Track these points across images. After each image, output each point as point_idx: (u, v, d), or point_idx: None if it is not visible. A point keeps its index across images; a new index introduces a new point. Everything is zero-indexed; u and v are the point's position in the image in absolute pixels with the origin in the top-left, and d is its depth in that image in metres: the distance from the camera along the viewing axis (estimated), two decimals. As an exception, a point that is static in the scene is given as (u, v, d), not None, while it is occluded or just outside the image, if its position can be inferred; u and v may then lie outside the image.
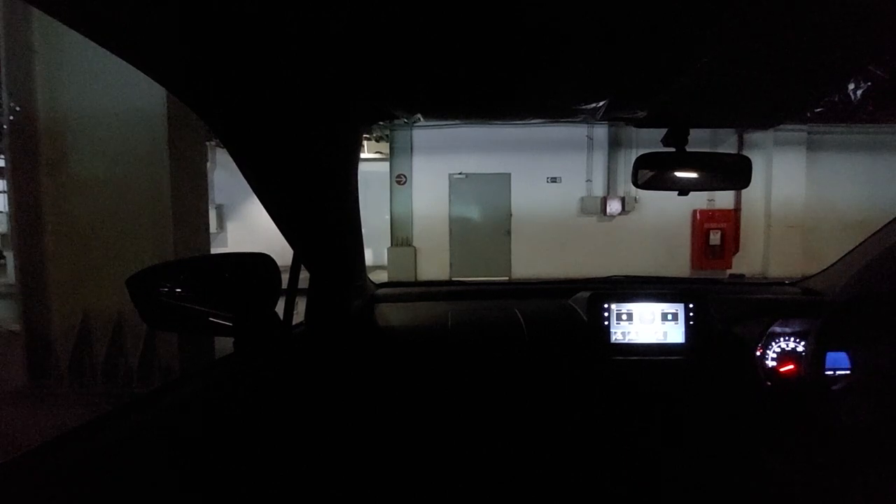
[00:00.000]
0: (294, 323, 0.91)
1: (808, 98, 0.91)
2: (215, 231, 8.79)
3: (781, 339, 1.06)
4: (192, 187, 3.66)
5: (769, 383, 1.02)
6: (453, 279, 7.41)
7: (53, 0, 0.42)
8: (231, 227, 9.41)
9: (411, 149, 7.91)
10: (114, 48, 0.46)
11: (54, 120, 3.34)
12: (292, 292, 0.89)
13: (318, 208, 0.84)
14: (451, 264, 7.99)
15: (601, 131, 7.89)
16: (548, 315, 1.21)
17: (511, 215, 8.01)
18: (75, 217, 3.38)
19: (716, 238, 7.79)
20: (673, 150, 0.99)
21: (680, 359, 1.09)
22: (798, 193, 7.85)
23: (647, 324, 1.13)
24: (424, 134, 7.81)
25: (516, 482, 1.04)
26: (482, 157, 7.84)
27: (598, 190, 8.05)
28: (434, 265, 7.94)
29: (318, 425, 0.91)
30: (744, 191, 7.42)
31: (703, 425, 1.07)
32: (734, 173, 1.06)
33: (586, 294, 1.19)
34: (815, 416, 0.88)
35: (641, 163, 1.02)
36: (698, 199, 7.86)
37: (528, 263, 7.94)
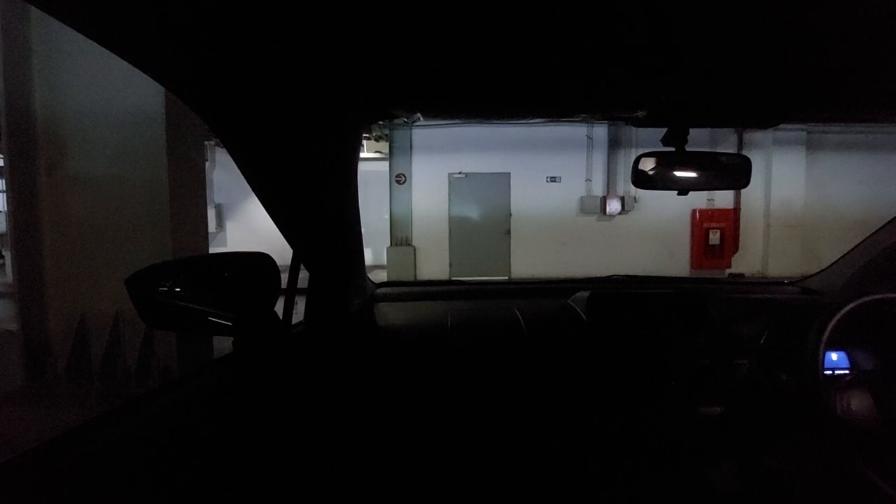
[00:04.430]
0: (294, 322, 0.91)
1: (808, 98, 0.91)
2: (214, 230, 8.78)
3: (781, 338, 1.06)
4: (191, 186, 3.66)
5: (768, 383, 1.02)
6: (453, 279, 7.40)
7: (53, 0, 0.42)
8: (230, 226, 9.40)
9: (411, 148, 7.90)
10: (114, 48, 0.46)
11: (52, 119, 3.33)
12: (292, 292, 0.89)
13: (318, 208, 0.84)
14: (450, 264, 7.99)
15: (601, 131, 7.89)
16: (547, 315, 1.21)
17: (511, 215, 8.01)
18: (73, 216, 3.37)
19: (715, 238, 7.80)
20: (672, 149, 0.99)
21: (679, 359, 1.09)
22: (797, 193, 7.86)
23: (647, 324, 1.13)
24: (424, 133, 7.81)
25: (516, 481, 1.04)
26: (482, 157, 7.84)
27: (598, 189, 8.05)
28: (433, 265, 7.94)
29: (317, 424, 0.91)
30: (743, 190, 7.42)
31: (703, 425, 1.07)
32: (734, 173, 1.06)
33: (586, 294, 1.19)
34: (814, 416, 0.88)
35: (641, 162, 1.02)
36: (698, 199, 7.87)
37: (528, 263, 7.95)
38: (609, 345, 1.11)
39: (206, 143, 6.72)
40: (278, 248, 0.83)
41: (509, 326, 1.15)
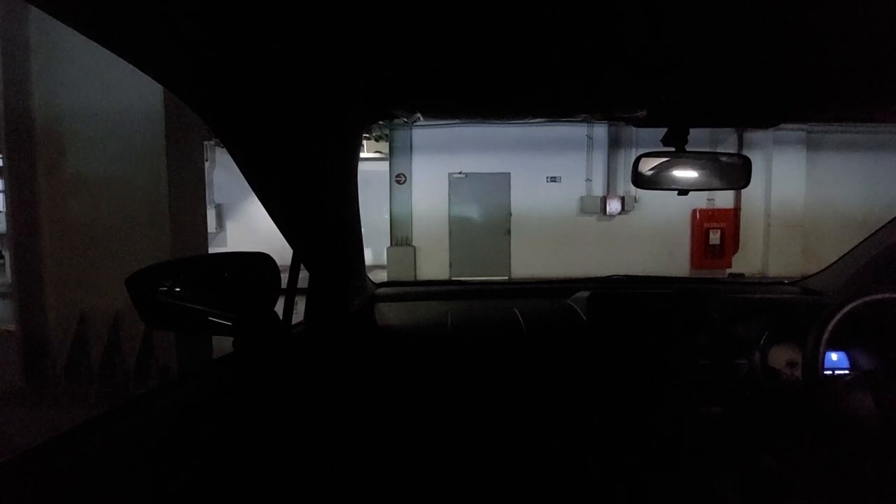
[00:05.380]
0: (294, 322, 0.91)
1: (808, 98, 0.91)
2: (214, 231, 8.78)
3: (781, 338, 1.06)
4: (190, 186, 3.66)
5: (768, 383, 1.02)
6: (453, 279, 7.40)
7: None
8: (230, 226, 9.40)
9: (411, 148, 7.90)
10: (114, 48, 0.46)
11: (51, 119, 3.33)
12: (292, 292, 0.89)
13: (318, 208, 0.84)
14: (450, 264, 7.99)
15: (601, 131, 7.89)
16: (547, 315, 1.21)
17: (511, 215, 8.01)
18: (72, 216, 3.37)
19: (715, 237, 7.80)
20: (672, 149, 0.99)
21: (680, 359, 1.09)
22: (798, 193, 7.86)
23: (647, 324, 1.13)
24: (424, 133, 7.81)
25: (517, 481, 1.04)
26: (482, 157, 7.84)
27: (598, 189, 8.05)
28: (433, 265, 7.94)
29: (317, 424, 0.91)
30: (743, 190, 7.40)
31: (703, 425, 1.07)
32: (734, 173, 1.06)
33: (586, 294, 1.19)
34: (814, 416, 0.88)
35: (641, 162, 1.02)
36: (698, 199, 7.87)
37: (528, 263, 7.94)
38: (609, 345, 1.11)
39: (206, 143, 6.72)
40: (278, 248, 0.83)
41: (509, 326, 1.15)
